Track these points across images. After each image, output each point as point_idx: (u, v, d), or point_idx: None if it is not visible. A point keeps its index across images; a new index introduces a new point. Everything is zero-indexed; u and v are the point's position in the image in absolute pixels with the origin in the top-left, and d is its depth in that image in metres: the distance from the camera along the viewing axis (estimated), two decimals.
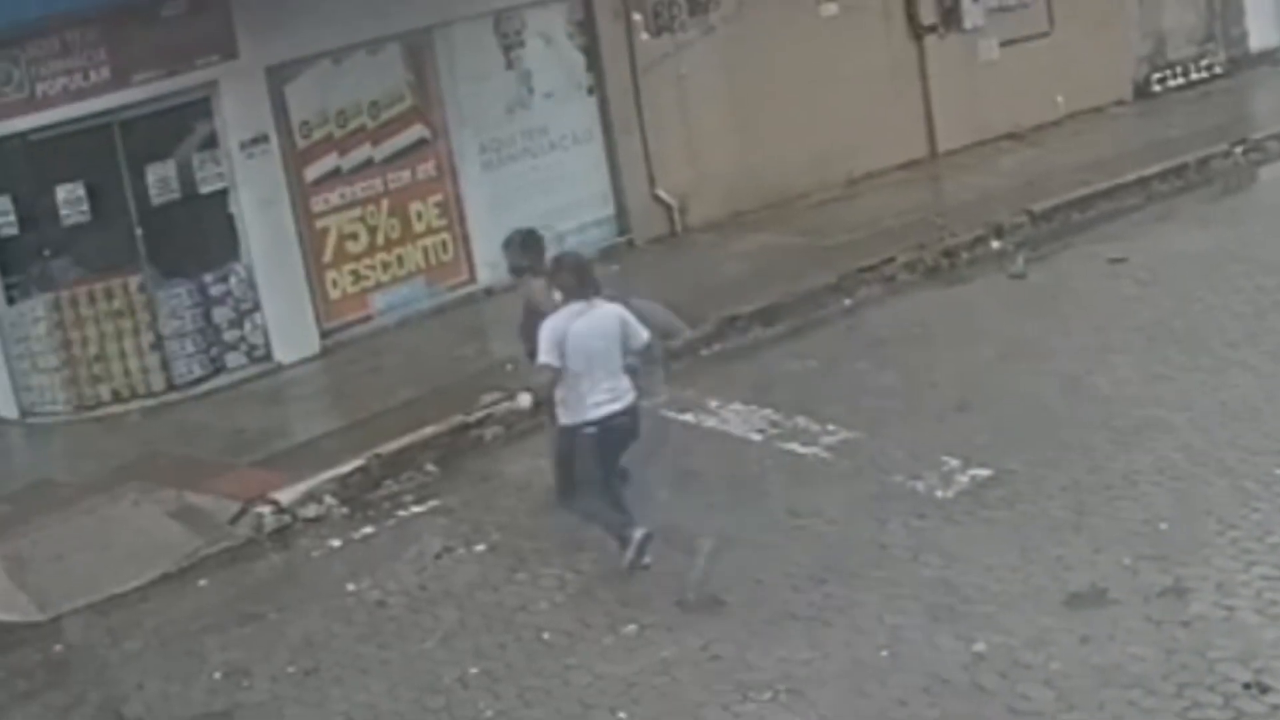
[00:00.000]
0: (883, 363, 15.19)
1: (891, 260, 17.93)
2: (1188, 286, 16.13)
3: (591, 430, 11.26)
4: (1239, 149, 21.41)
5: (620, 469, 11.77)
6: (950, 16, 22.21)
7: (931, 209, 19.64)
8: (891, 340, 15.85)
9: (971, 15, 22.33)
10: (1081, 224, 19.14)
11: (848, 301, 17.22)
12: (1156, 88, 24.96)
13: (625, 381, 11.45)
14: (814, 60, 20.53)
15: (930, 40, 22.18)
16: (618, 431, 11.46)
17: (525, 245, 12.57)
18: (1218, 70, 25.67)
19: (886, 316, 16.67)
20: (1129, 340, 14.95)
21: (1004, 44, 22.77)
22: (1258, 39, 26.20)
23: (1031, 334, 15.47)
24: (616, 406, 11.34)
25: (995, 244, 18.58)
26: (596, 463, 11.40)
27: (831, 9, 20.92)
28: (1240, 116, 23.27)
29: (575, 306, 11.16)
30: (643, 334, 11.45)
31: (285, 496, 13.40)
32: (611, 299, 11.56)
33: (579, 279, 11.32)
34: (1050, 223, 19.15)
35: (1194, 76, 25.41)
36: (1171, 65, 25.22)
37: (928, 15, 22.04)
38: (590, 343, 11.14)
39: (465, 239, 18.39)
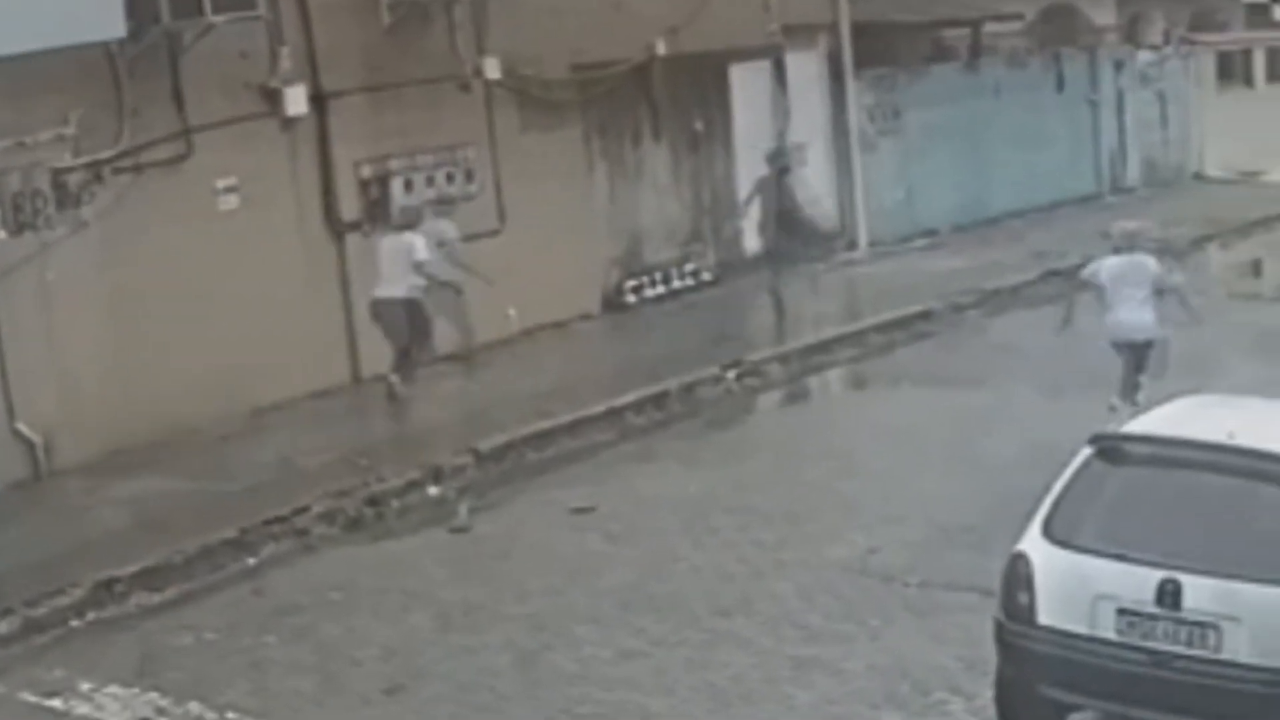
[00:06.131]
0: (295, 635, 10.42)
1: (305, 510, 12.23)
2: (669, 541, 11.34)
3: None
4: (732, 373, 14.99)
5: None
6: (377, 209, 14.96)
7: (354, 447, 13.61)
8: (305, 607, 10.84)
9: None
10: (538, 464, 13.45)
11: (251, 560, 11.75)
12: (631, 297, 17.19)
13: None
14: (210, 263, 14.02)
15: (353, 238, 15.00)
16: None
17: None
18: (706, 276, 17.89)
19: (299, 578, 11.44)
20: (596, 607, 10.40)
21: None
22: (754, 239, 17.97)
23: (477, 599, 10.74)
24: None
25: (433, 490, 12.90)
26: None
27: (231, 201, 14.37)
28: (734, 333, 16.51)
29: None
30: None
31: None
32: None
33: None
34: (500, 463, 13.35)
35: (676, 284, 17.59)
36: (650, 270, 17.54)
37: (350, 209, 15.02)
38: None
39: None
